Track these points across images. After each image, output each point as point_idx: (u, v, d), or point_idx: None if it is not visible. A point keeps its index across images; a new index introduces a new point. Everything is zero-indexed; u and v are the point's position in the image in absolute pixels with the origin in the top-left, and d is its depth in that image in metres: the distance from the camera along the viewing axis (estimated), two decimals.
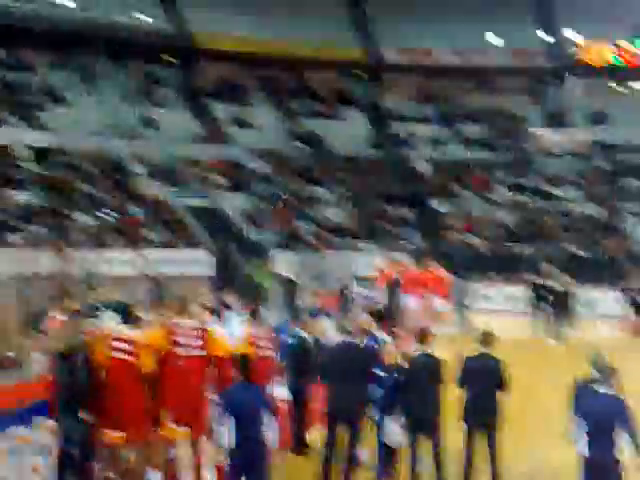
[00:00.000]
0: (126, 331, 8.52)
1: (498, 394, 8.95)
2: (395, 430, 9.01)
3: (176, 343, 8.63)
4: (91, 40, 33.13)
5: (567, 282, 22.29)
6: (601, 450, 7.15)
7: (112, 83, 33.69)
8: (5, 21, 30.86)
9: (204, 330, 8.84)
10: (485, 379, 8.85)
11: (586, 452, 7.26)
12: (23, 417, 8.28)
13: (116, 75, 34.10)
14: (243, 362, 7.69)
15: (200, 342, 8.69)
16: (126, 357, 8.33)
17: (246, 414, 7.42)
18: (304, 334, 10.96)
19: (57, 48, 33.19)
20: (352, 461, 9.04)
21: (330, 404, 9.08)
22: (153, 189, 29.66)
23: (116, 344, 8.35)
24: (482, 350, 9.02)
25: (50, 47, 32.97)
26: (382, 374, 9.12)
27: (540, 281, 22.30)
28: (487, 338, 9.08)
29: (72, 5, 33.25)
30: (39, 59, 33.26)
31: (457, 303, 22.39)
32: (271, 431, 7.55)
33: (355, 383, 8.94)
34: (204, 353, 8.70)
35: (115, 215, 27.73)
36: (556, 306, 21.66)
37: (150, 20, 34.80)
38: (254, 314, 10.11)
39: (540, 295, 21.98)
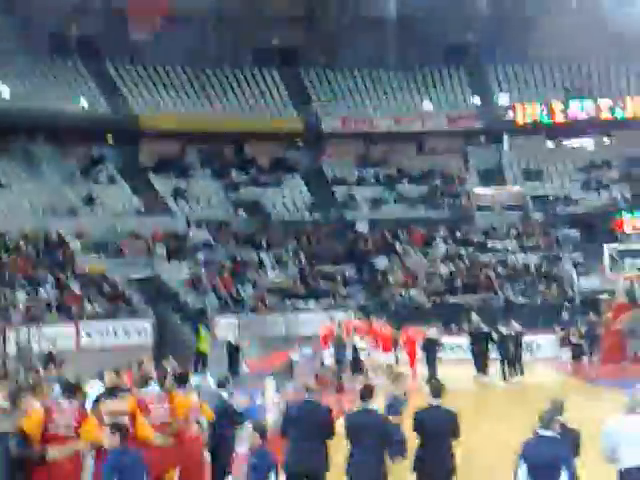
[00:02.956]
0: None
1: (452, 444, 8.72)
2: None
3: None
4: (30, 128, 33.94)
5: (516, 327, 22.83)
6: None
7: (53, 166, 34.32)
8: None
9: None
10: (439, 430, 8.59)
11: None
12: None
13: (57, 158, 34.79)
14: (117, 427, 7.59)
15: None
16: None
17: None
18: (225, 396, 10.99)
19: None
20: None
21: (291, 461, 8.75)
22: (93, 263, 29.93)
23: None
24: (433, 402, 8.82)
25: None
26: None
27: (485, 328, 22.81)
28: (437, 389, 8.90)
29: (6, 96, 34.05)
30: None
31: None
32: None
33: (315, 441, 8.77)
34: None
35: (55, 291, 27.93)
36: (505, 350, 22.19)
37: (86, 104, 35.69)
38: (179, 379, 10.10)
39: (486, 341, 22.48)
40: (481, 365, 22.51)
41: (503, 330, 22.73)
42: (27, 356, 24.12)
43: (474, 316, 23.50)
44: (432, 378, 20.79)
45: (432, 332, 22.76)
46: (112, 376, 11.12)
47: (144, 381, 9.91)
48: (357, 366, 21.47)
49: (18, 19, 36.35)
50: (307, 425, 8.75)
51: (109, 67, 37.99)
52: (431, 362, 21.98)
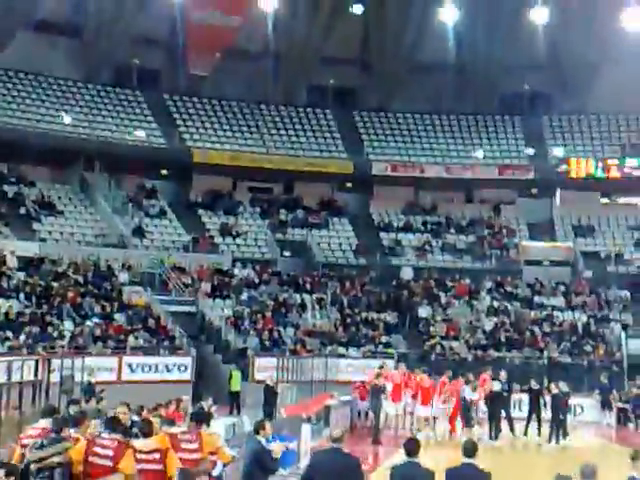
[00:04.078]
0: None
1: None
2: None
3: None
4: (88, 156, 34.57)
5: (563, 387, 22.48)
6: None
7: (106, 195, 34.85)
8: (6, 137, 32.35)
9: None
10: None
11: None
12: None
13: (111, 187, 35.32)
14: None
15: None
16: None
17: None
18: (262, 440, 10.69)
19: (55, 163, 34.61)
20: None
21: None
22: (138, 295, 30.21)
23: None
24: (465, 460, 8.42)
25: (48, 162, 34.40)
26: None
27: (536, 386, 22.58)
28: (470, 447, 8.46)
29: (68, 124, 34.76)
30: (38, 174, 34.67)
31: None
32: None
33: None
34: None
35: (100, 322, 28.22)
36: (553, 410, 21.87)
37: (144, 135, 36.27)
38: (197, 417, 10.22)
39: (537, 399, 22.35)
40: (528, 423, 22.33)
41: (553, 389, 22.42)
42: (70, 387, 24.45)
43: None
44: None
45: (496, 385, 22.41)
46: (124, 409, 11.02)
47: (175, 419, 10.05)
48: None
49: (82, 49, 37.12)
50: (332, 476, 8.52)
51: (167, 100, 38.61)
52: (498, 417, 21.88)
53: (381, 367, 24.29)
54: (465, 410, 21.95)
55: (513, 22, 37.68)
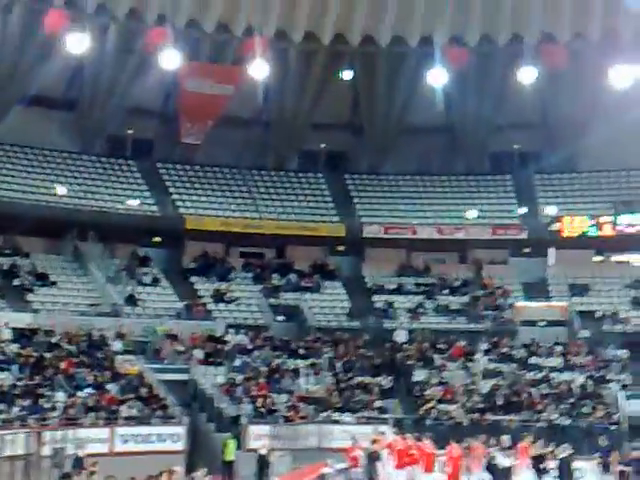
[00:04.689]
0: None
1: None
2: None
3: None
4: (82, 226, 34.76)
5: (566, 450, 22.02)
6: None
7: (100, 264, 34.92)
8: (1, 210, 32.64)
9: None
10: None
11: None
12: None
13: (104, 257, 35.43)
14: None
15: None
16: None
17: None
18: None
19: (49, 234, 34.81)
20: None
21: None
22: (131, 364, 30.06)
23: None
24: None
25: (43, 233, 34.59)
26: None
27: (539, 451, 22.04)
28: None
29: (63, 195, 35.02)
30: (32, 244, 34.84)
31: None
32: None
33: None
34: None
35: (93, 392, 28.03)
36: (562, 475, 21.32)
37: (137, 203, 36.52)
38: None
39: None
40: None
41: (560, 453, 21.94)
42: (61, 460, 24.19)
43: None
44: None
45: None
46: None
47: None
48: None
49: (77, 121, 37.61)
50: None
51: (160, 168, 38.96)
52: None
53: (382, 433, 23.97)
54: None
55: (501, 82, 38.20)
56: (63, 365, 28.83)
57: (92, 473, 20.98)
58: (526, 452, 21.40)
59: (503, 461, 20.80)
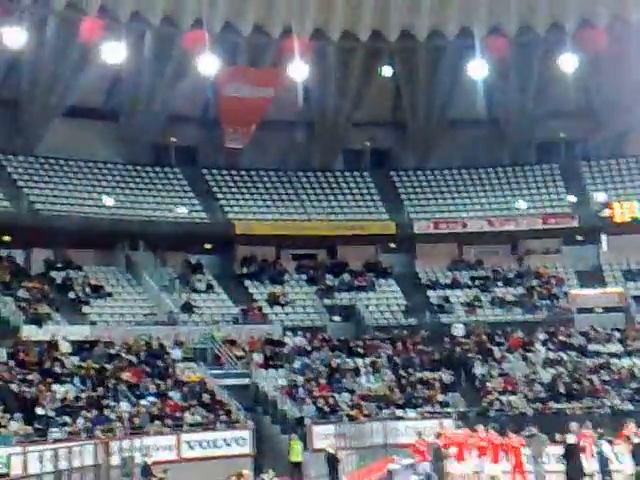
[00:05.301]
0: None
1: None
2: None
3: None
4: (132, 237, 35.04)
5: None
6: None
7: (153, 273, 35.16)
8: (52, 224, 32.99)
9: None
10: None
11: None
12: None
13: (156, 266, 35.67)
14: None
15: None
16: None
17: None
18: None
19: (100, 246, 35.10)
20: None
21: None
22: (192, 371, 30.22)
23: None
24: None
25: (93, 245, 34.88)
26: None
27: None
28: None
29: (111, 207, 35.36)
30: (84, 257, 35.14)
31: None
32: None
33: None
34: None
35: (156, 400, 28.20)
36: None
37: (186, 211, 36.71)
38: None
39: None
40: None
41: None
42: (130, 469, 24.37)
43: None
44: None
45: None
46: None
47: None
48: None
49: (119, 132, 37.89)
50: None
51: (206, 174, 39.15)
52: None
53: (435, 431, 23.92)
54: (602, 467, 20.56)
55: (542, 71, 37.90)
56: (125, 375, 29.05)
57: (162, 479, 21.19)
58: (628, 439, 21.21)
59: (607, 449, 20.72)
